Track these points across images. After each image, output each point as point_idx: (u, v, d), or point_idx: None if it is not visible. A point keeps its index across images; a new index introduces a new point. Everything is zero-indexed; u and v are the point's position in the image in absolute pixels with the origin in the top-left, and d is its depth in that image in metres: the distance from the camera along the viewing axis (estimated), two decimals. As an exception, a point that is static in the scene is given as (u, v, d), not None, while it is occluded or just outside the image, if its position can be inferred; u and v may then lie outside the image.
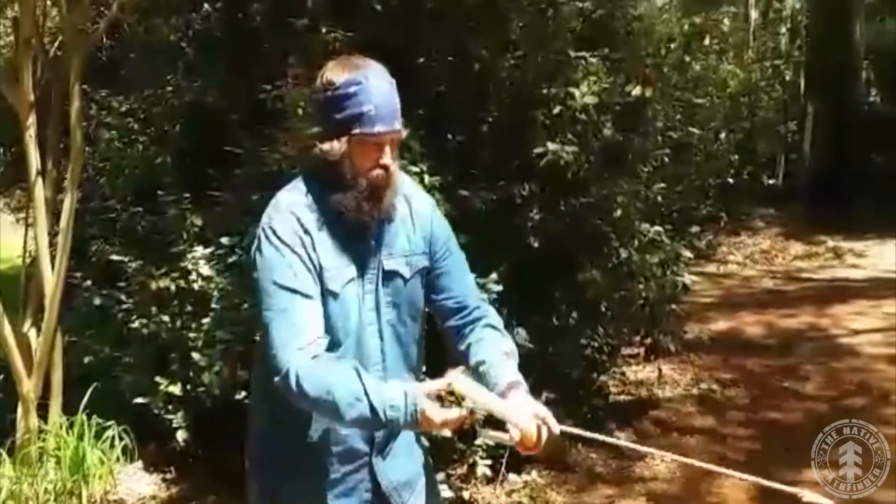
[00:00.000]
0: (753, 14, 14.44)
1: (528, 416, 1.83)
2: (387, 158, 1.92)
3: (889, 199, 10.87)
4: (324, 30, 3.92)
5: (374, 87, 1.88)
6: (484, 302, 2.20)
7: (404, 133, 1.99)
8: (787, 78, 13.34)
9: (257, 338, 2.28)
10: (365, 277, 1.98)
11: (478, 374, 1.98)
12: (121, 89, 5.68)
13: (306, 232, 1.91)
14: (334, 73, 1.92)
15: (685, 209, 6.28)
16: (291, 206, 1.94)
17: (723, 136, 9.18)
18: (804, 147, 13.55)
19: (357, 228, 1.95)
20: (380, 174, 1.92)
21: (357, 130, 1.88)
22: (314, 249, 1.90)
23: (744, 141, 10.84)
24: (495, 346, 2.04)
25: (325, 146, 1.91)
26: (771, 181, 12.83)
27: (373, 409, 1.77)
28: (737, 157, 9.06)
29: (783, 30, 14.18)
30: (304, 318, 1.85)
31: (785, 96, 13.17)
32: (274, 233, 1.90)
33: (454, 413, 1.79)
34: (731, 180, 8.71)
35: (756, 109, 9.77)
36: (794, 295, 8.02)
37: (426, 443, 2.27)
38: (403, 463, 2.12)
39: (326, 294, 1.92)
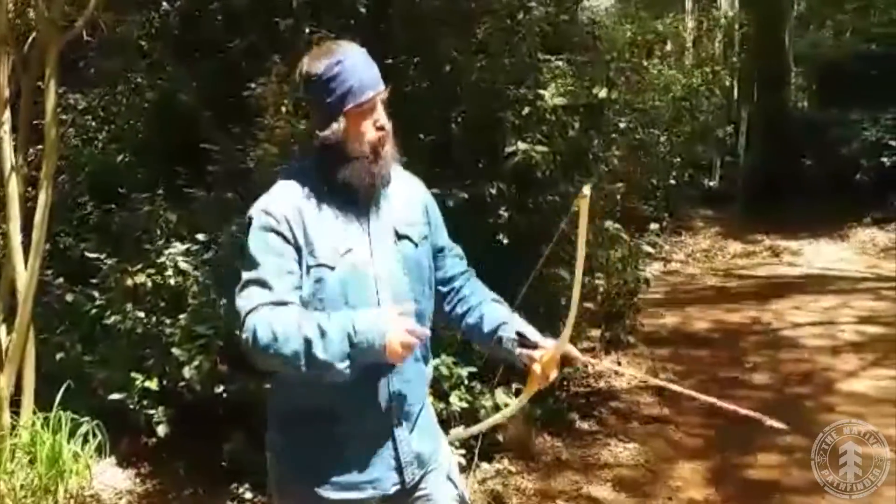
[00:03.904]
0: (690, 23, 14.92)
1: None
2: (382, 118, 2.05)
3: (818, 199, 11.39)
4: (307, 30, 3.98)
5: (351, 62, 2.02)
6: (471, 271, 2.37)
7: (386, 92, 2.09)
8: (727, 83, 13.83)
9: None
10: (372, 247, 2.07)
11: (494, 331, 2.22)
12: (81, 86, 5.65)
13: (298, 211, 2.01)
14: (313, 64, 2.04)
15: (631, 208, 6.50)
16: (285, 192, 2.06)
17: (664, 139, 9.49)
18: (739, 150, 14.07)
19: (360, 199, 2.06)
20: (381, 135, 2.04)
21: (350, 105, 2.01)
22: (304, 227, 2.00)
23: (685, 143, 11.20)
24: (502, 308, 2.29)
25: (326, 132, 2.03)
26: (711, 183, 13.29)
27: (335, 337, 1.86)
28: (679, 159, 9.38)
29: (719, 37, 14.71)
30: (272, 283, 1.96)
31: (724, 101, 13.64)
32: (261, 215, 2.02)
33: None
34: (673, 181, 9.00)
35: (697, 113, 10.18)
36: (737, 291, 8.37)
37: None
38: (423, 439, 2.18)
39: (320, 267, 2.00)
